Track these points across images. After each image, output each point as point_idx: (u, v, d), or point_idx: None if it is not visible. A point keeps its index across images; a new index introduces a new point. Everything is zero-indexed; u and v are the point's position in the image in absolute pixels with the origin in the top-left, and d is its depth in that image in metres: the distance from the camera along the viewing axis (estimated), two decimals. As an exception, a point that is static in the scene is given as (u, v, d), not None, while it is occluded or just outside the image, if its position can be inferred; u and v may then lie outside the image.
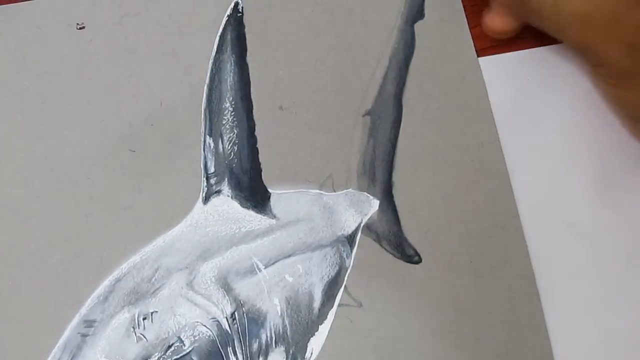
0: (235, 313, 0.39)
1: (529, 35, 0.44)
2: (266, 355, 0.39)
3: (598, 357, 0.41)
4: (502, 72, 0.45)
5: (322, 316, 0.40)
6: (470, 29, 0.46)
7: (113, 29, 0.42)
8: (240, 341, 0.39)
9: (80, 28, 0.42)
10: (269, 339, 0.39)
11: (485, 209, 0.42)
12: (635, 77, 0.38)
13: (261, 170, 0.42)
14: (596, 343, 0.41)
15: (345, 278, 0.41)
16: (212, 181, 0.41)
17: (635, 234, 0.42)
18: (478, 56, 0.45)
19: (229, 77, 0.43)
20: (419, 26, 0.46)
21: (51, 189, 0.40)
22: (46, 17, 0.43)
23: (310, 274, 0.41)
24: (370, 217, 0.42)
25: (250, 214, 0.41)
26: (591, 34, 0.38)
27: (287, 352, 0.39)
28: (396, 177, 0.43)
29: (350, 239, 0.42)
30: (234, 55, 0.43)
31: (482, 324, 0.41)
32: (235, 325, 0.39)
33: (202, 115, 0.42)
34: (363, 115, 0.44)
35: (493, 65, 0.45)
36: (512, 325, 0.41)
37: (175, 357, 0.37)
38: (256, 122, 0.43)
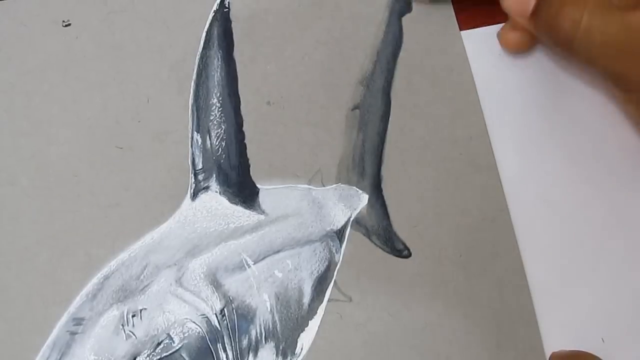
0: (225, 309, 0.39)
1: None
2: (256, 351, 0.39)
3: (588, 347, 0.40)
4: (490, 64, 0.45)
5: (312, 311, 0.40)
6: (458, 22, 0.45)
7: (99, 25, 0.42)
8: (230, 337, 0.39)
9: (66, 25, 0.42)
10: (258, 334, 0.39)
11: (474, 202, 0.42)
12: None
13: (249, 166, 0.42)
14: (586, 334, 0.41)
15: (335, 273, 0.41)
16: (200, 177, 0.41)
17: (630, 227, 0.42)
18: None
19: (216, 72, 0.43)
20: (406, 20, 0.45)
21: (38, 187, 0.40)
22: (31, 14, 0.42)
23: (300, 269, 0.41)
24: (359, 212, 0.42)
25: (239, 209, 0.41)
26: (626, 62, 0.36)
27: (277, 347, 0.39)
28: (385, 171, 0.43)
29: (340, 234, 0.42)
30: (220, 51, 0.43)
31: (473, 317, 0.41)
32: (225, 322, 0.39)
33: (190, 112, 0.42)
34: (351, 110, 0.44)
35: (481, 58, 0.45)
36: (502, 318, 0.41)
37: (164, 354, 0.37)
38: (244, 118, 0.42)
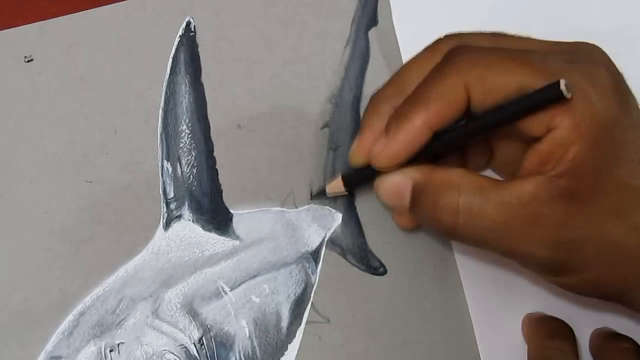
0: (203, 338, 0.39)
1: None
2: (236, 378, 0.39)
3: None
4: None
5: (290, 335, 0.40)
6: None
7: (62, 59, 0.42)
8: (210, 366, 0.39)
9: (29, 60, 0.42)
10: (238, 361, 0.39)
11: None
12: (565, 269, 0.35)
13: (222, 192, 0.42)
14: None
15: (312, 294, 0.41)
16: (172, 206, 0.41)
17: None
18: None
19: (184, 98, 0.42)
20: (372, 33, 0.45)
21: (8, 227, 0.40)
22: (-7, 51, 0.42)
23: (277, 293, 0.41)
24: (333, 231, 0.42)
25: (213, 236, 0.41)
26: (512, 241, 0.34)
27: (257, 373, 0.39)
28: (357, 188, 0.43)
29: (315, 255, 0.42)
30: (188, 76, 0.43)
31: (451, 331, 0.41)
32: (204, 350, 0.39)
33: (159, 140, 0.42)
34: (321, 128, 0.44)
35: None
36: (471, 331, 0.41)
37: (145, 387, 0.37)
38: (214, 143, 0.42)
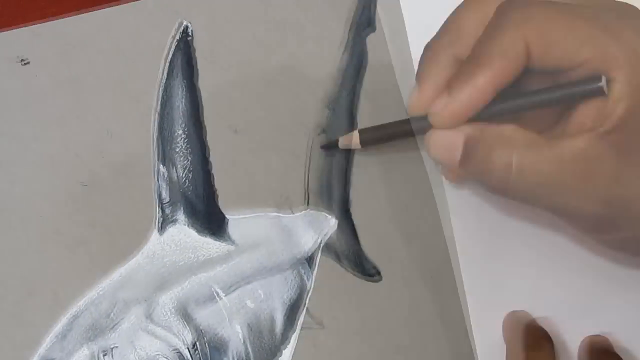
0: (197, 343, 0.39)
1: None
2: (230, 383, 0.39)
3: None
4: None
5: (285, 340, 0.40)
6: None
7: (57, 61, 0.42)
8: (203, 371, 0.38)
9: (25, 63, 0.42)
10: (232, 366, 0.39)
11: (445, 220, 0.42)
12: (613, 226, 0.35)
13: (217, 196, 0.42)
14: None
15: (307, 300, 0.41)
16: (167, 210, 0.41)
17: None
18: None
19: (180, 102, 0.42)
20: (370, 39, 0.45)
21: (2, 229, 0.40)
22: (-12, 53, 0.42)
23: (272, 298, 0.41)
24: (329, 237, 0.42)
25: (208, 241, 0.41)
26: (563, 196, 0.34)
27: (251, 378, 0.39)
28: (353, 194, 0.43)
29: (310, 260, 0.42)
30: (184, 80, 0.43)
31: (445, 338, 0.41)
32: (198, 355, 0.39)
33: (154, 143, 0.42)
34: (318, 134, 0.43)
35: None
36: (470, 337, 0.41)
37: (138, 392, 0.37)
38: (210, 147, 0.42)
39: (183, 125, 0.42)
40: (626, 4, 0.36)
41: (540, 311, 0.42)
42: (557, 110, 0.37)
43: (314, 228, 0.42)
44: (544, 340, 0.39)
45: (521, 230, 0.43)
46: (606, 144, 0.33)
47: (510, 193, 0.36)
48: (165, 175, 0.41)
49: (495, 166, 0.35)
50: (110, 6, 0.43)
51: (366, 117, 0.44)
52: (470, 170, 0.36)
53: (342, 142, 0.41)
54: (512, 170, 0.34)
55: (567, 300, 0.42)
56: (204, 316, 0.39)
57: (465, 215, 0.42)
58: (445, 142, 0.36)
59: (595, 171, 0.33)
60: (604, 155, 0.33)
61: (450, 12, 0.38)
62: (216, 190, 0.42)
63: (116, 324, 0.39)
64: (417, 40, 0.44)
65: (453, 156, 0.36)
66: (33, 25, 0.42)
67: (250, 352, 0.40)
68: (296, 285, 0.41)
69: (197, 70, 0.43)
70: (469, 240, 0.42)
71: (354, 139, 0.40)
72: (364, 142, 0.40)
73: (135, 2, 0.43)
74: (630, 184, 0.33)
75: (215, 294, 0.40)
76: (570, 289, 0.42)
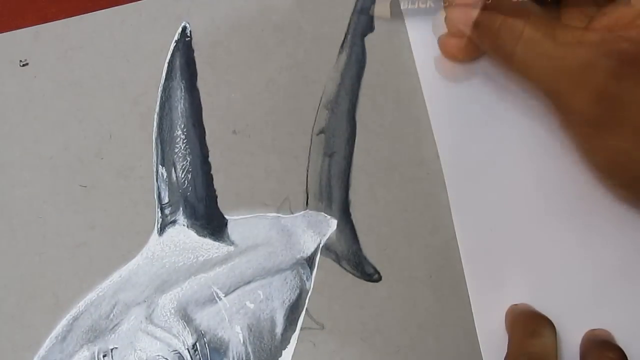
0: (197, 344, 0.39)
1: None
2: (230, 384, 0.39)
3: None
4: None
5: (285, 341, 0.40)
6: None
7: (57, 63, 0.42)
8: (204, 372, 0.38)
9: (24, 65, 0.42)
10: (232, 367, 0.39)
11: (443, 222, 0.42)
12: (604, 127, 0.36)
13: (217, 197, 0.42)
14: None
15: (307, 301, 0.41)
16: (167, 211, 0.41)
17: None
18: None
19: (180, 103, 0.42)
20: (369, 39, 0.45)
21: (2, 231, 0.40)
22: (-12, 55, 0.42)
23: (271, 299, 0.41)
24: (328, 238, 0.42)
25: (208, 242, 0.41)
26: (562, 79, 0.36)
27: (251, 379, 0.39)
28: (353, 195, 0.43)
29: (310, 261, 0.42)
30: (184, 81, 0.43)
31: (445, 339, 0.41)
32: (198, 356, 0.39)
33: (154, 145, 0.42)
34: (317, 134, 0.44)
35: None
36: (474, 338, 0.41)
37: (138, 393, 0.37)
38: (209, 148, 0.42)
39: (182, 126, 0.42)
40: None
41: (543, 307, 0.41)
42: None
43: (314, 229, 0.42)
44: (544, 326, 0.39)
45: (523, 226, 0.42)
46: (618, 47, 0.35)
47: (515, 65, 0.37)
48: (165, 177, 0.41)
49: (506, 35, 0.37)
50: (110, 7, 0.43)
51: (365, 118, 0.44)
52: (482, 33, 0.39)
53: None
54: (520, 41, 0.36)
55: (570, 296, 0.42)
56: (203, 317, 0.39)
57: (466, 212, 0.42)
58: (464, 7, 0.39)
59: (599, 65, 0.35)
60: (612, 54, 0.35)
61: (449, 12, 0.38)
62: (216, 191, 0.42)
63: (116, 325, 0.39)
64: (418, 41, 0.44)
65: (469, 17, 0.39)
66: (33, 27, 0.42)
67: (251, 353, 0.40)
68: (296, 286, 0.41)
69: (197, 71, 0.43)
70: (471, 238, 0.42)
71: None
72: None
73: (136, 2, 0.43)
74: (628, 88, 0.35)
75: (215, 295, 0.40)
76: (573, 284, 0.42)
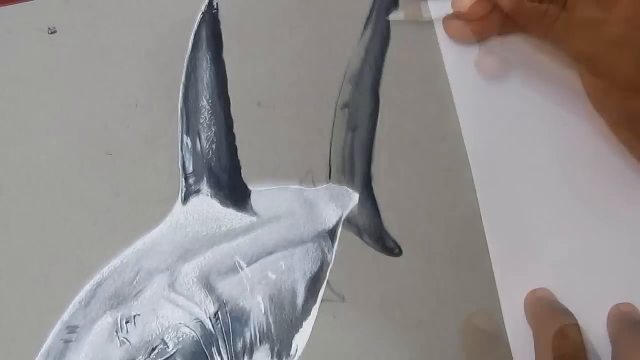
0: (219, 313, 0.39)
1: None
2: (251, 354, 0.39)
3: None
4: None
5: (305, 312, 0.41)
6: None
7: (85, 31, 0.42)
8: (225, 340, 0.39)
9: (52, 32, 0.42)
10: (253, 337, 0.39)
11: (464, 198, 0.43)
12: None
13: (240, 168, 0.42)
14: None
15: (328, 273, 0.41)
16: (191, 181, 0.41)
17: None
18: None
19: (205, 74, 0.42)
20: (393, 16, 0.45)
21: (28, 195, 0.40)
22: (17, 22, 0.42)
23: (293, 270, 0.41)
24: (350, 211, 0.42)
25: (231, 212, 0.41)
26: (602, 43, 0.36)
27: (271, 349, 0.40)
28: (375, 169, 0.43)
29: (332, 234, 0.42)
30: (209, 53, 0.43)
31: (465, 314, 0.41)
32: (219, 325, 0.39)
33: (179, 115, 0.42)
34: (341, 108, 0.44)
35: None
36: (498, 314, 0.41)
37: None
38: (234, 119, 0.42)
39: (207, 97, 0.42)
40: None
41: (566, 286, 0.41)
42: None
43: (336, 202, 0.42)
44: (570, 325, 0.39)
45: (548, 202, 0.43)
46: None
47: (553, 34, 0.38)
48: (190, 146, 0.41)
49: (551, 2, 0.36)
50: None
51: (389, 93, 0.44)
52: (520, 9, 0.38)
53: None
54: (566, 7, 0.36)
55: (593, 271, 0.41)
56: (225, 286, 0.40)
57: (490, 188, 0.42)
58: None
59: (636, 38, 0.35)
60: None
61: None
62: (240, 162, 0.42)
63: (139, 292, 0.39)
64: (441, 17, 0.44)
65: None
66: (61, -5, 0.42)
67: (272, 324, 0.40)
68: (317, 258, 0.41)
69: (222, 43, 0.43)
70: (496, 215, 0.42)
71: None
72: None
73: (164, -27, 0.43)
74: None
75: (237, 265, 0.40)
76: (596, 259, 0.42)
